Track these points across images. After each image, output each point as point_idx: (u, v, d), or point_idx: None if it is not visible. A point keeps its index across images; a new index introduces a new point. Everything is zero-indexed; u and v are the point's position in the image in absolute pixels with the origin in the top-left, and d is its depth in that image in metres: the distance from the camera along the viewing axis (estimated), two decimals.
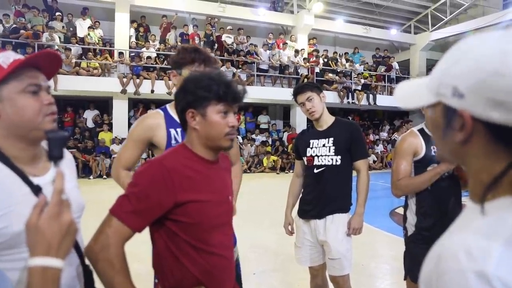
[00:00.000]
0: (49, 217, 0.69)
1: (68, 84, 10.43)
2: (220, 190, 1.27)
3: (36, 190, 0.97)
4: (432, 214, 2.08)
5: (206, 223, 1.19)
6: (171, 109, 1.87)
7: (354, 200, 2.42)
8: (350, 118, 16.28)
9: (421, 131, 2.14)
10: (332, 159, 2.34)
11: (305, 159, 2.44)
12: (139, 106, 12.39)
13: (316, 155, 2.38)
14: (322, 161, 2.36)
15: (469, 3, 15.20)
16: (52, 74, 1.08)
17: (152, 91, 11.35)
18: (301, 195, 2.54)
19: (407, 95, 0.68)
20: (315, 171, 2.38)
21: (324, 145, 2.37)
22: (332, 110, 16.35)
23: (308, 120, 11.82)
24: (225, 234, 1.30)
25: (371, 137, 15.12)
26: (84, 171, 10.72)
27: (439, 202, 2.07)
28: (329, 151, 2.35)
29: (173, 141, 1.84)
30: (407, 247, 2.19)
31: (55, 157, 0.79)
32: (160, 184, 1.12)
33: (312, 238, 2.41)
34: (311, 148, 2.41)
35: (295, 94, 2.43)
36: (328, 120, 2.43)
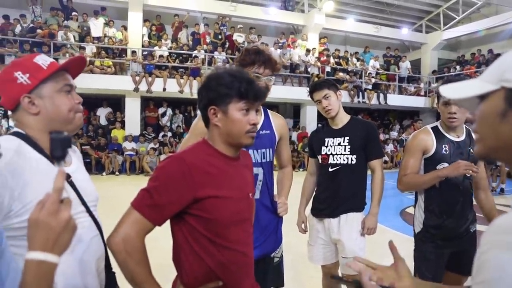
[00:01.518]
0: (47, 213, 0.71)
1: (82, 82, 10.59)
2: (240, 186, 1.28)
3: (67, 177, 1.10)
4: (439, 212, 2.09)
5: (225, 219, 1.20)
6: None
7: (368, 199, 2.41)
8: (361, 117, 16.24)
9: (435, 128, 2.15)
10: (347, 158, 2.32)
11: (319, 157, 2.42)
12: (149, 104, 12.56)
13: (331, 154, 2.36)
14: (337, 160, 2.34)
15: (482, 2, 15.00)
16: (76, 75, 1.25)
17: (164, 89, 11.49)
18: (314, 193, 2.53)
19: (456, 87, 0.75)
20: (330, 169, 2.35)
21: (339, 144, 2.35)
22: (342, 109, 16.21)
23: (319, 119, 11.78)
24: (245, 231, 1.29)
25: (382, 136, 15.08)
26: (97, 168, 10.91)
27: (448, 202, 2.08)
28: (345, 150, 2.33)
29: None
30: (415, 244, 2.22)
31: (57, 156, 0.82)
32: (180, 179, 1.14)
33: (325, 237, 2.41)
34: (326, 146, 2.38)
35: (312, 91, 2.38)
36: (343, 118, 2.40)
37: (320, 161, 2.42)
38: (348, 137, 2.33)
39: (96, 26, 11.75)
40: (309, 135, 2.84)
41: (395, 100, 14.51)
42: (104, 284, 1.25)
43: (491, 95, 0.67)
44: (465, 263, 2.05)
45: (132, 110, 11.89)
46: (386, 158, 13.30)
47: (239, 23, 13.78)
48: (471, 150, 2.07)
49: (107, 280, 1.26)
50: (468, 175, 2.00)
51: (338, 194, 2.33)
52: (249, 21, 14.29)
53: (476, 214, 2.22)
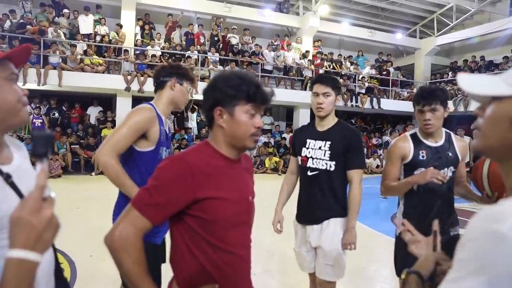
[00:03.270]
0: (29, 211, 0.70)
1: (73, 80, 10.47)
2: (240, 189, 1.28)
3: (7, 177, 0.99)
4: (415, 215, 2.13)
5: (224, 221, 1.20)
6: (157, 107, 2.02)
7: None
8: (353, 121, 16.27)
9: (413, 135, 2.24)
10: (326, 164, 2.23)
11: (299, 158, 2.33)
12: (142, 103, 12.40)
13: (311, 157, 2.27)
14: (316, 165, 2.25)
15: (475, 9, 15.14)
16: (20, 65, 1.12)
17: None
18: (298, 197, 2.44)
19: (476, 83, 0.74)
20: (309, 173, 2.27)
21: (320, 148, 2.26)
22: (335, 112, 16.27)
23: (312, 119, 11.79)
24: (243, 234, 1.30)
25: (374, 141, 15.09)
26: (86, 167, 10.74)
27: (424, 205, 2.15)
28: (324, 155, 2.24)
29: (162, 136, 1.99)
30: (395, 246, 2.28)
31: (39, 154, 0.80)
32: (180, 179, 1.14)
33: (308, 244, 2.34)
34: (307, 148, 2.30)
35: (316, 82, 2.29)
36: (331, 121, 2.31)
37: (300, 163, 2.33)
38: (329, 142, 2.24)
39: (86, 23, 11.56)
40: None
41: (388, 104, 14.55)
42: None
43: (508, 98, 0.67)
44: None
45: (123, 110, 11.68)
46: (379, 163, 13.32)
47: (233, 24, 13.72)
48: (450, 154, 2.16)
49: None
50: (436, 182, 2.01)
51: (318, 201, 2.25)
52: (243, 23, 14.25)
53: (460, 218, 2.27)
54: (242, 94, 1.20)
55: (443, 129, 2.24)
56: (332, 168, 2.22)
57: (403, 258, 2.14)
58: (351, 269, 3.87)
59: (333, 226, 2.25)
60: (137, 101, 12.36)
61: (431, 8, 16.25)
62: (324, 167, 2.23)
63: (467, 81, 0.74)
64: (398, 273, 2.19)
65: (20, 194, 1.00)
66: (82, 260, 3.68)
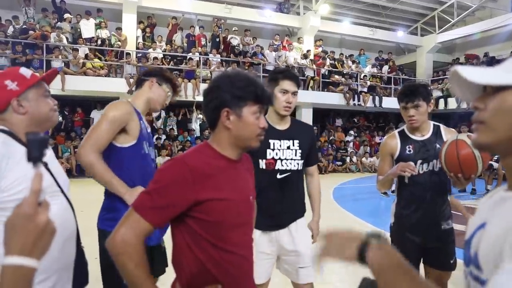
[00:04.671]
0: (25, 216, 0.69)
1: (76, 84, 10.52)
2: (241, 189, 1.28)
3: (45, 164, 1.33)
4: (407, 206, 2.26)
5: (226, 222, 1.20)
6: (134, 104, 2.01)
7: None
8: (356, 120, 16.25)
9: (401, 132, 2.35)
10: (297, 164, 2.14)
11: (263, 162, 2.09)
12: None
13: (280, 159, 2.11)
14: (287, 166, 2.12)
15: (476, 5, 15.08)
16: (49, 83, 1.53)
17: None
18: (257, 204, 2.25)
19: (476, 72, 0.71)
20: (279, 176, 2.11)
21: (288, 148, 2.13)
22: (338, 111, 16.38)
23: (315, 121, 11.70)
24: (245, 234, 1.30)
25: (377, 139, 15.07)
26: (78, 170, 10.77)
27: (415, 196, 2.23)
28: (295, 155, 2.13)
29: (144, 131, 1.97)
30: (390, 236, 2.36)
31: (34, 157, 0.78)
32: (181, 182, 1.14)
33: (269, 251, 2.16)
34: (273, 150, 2.11)
35: (286, 78, 2.12)
36: (288, 118, 2.20)
37: (263, 167, 2.09)
38: (298, 141, 2.15)
39: (87, 27, 11.62)
40: None
41: (390, 103, 14.52)
42: (74, 257, 1.47)
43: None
44: (442, 258, 2.22)
45: None
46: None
47: (234, 25, 13.74)
48: (438, 146, 2.20)
49: (77, 253, 1.49)
50: (404, 174, 2.09)
51: (288, 203, 2.14)
52: (244, 23, 14.26)
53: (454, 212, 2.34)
54: (250, 95, 1.21)
55: (431, 123, 2.33)
56: (301, 167, 2.17)
57: (398, 247, 2.18)
58: (352, 268, 3.89)
59: (301, 227, 2.20)
60: None
61: (432, 5, 16.22)
62: (295, 167, 2.14)
63: (472, 73, 0.71)
64: None
65: (54, 177, 1.40)
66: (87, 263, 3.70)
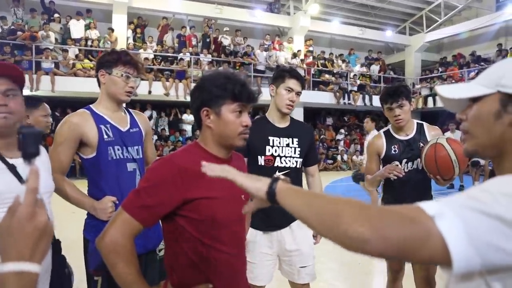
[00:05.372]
0: (23, 218, 0.62)
1: (66, 85, 10.44)
2: (231, 187, 1.23)
3: (12, 168, 1.26)
4: (392, 202, 2.34)
5: (216, 220, 1.19)
6: (96, 108, 1.90)
7: None
8: (346, 118, 16.39)
9: (386, 132, 2.43)
10: (296, 162, 2.15)
11: (261, 158, 2.10)
12: (135, 107, 12.41)
13: (279, 155, 2.11)
14: (286, 163, 2.12)
15: (463, 5, 15.32)
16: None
17: (150, 92, 11.37)
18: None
19: (453, 89, 0.81)
20: (278, 174, 2.06)
21: (288, 145, 2.13)
22: (328, 110, 16.48)
23: (305, 120, 11.75)
24: (236, 233, 1.29)
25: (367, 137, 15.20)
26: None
27: (399, 193, 2.33)
28: (294, 153, 2.14)
29: (105, 136, 1.81)
30: None
31: (30, 154, 0.72)
32: (169, 181, 1.15)
33: (271, 251, 2.14)
34: (272, 146, 2.11)
35: (293, 77, 2.13)
36: (288, 117, 2.23)
37: (261, 163, 2.10)
38: (297, 139, 2.16)
39: (77, 28, 11.53)
40: None
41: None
42: (50, 266, 1.38)
43: (486, 97, 0.75)
44: None
45: None
46: None
47: (225, 25, 13.76)
48: (422, 144, 2.29)
49: (54, 262, 1.40)
50: (391, 176, 2.18)
51: None
52: (235, 24, 14.27)
53: None
54: (227, 93, 1.20)
55: (415, 121, 2.41)
56: (299, 166, 2.18)
57: None
58: (348, 265, 3.94)
59: (302, 226, 2.09)
60: (130, 104, 12.36)
61: (420, 5, 16.43)
62: (294, 165, 2.14)
63: (448, 90, 0.81)
64: None
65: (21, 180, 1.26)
66: (78, 264, 3.69)
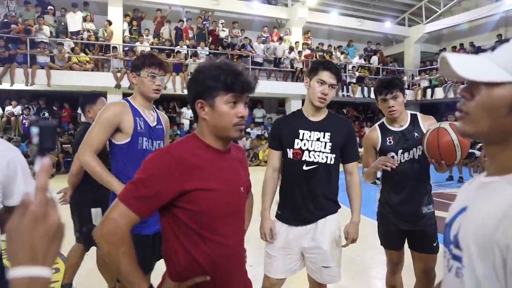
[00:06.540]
0: (34, 219, 0.58)
1: (62, 79, 10.34)
2: (229, 179, 1.26)
3: None
4: (390, 192, 2.40)
5: (213, 212, 1.19)
6: (133, 102, 2.11)
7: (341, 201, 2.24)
8: (345, 111, 16.32)
9: (381, 124, 2.44)
10: (326, 157, 2.08)
11: (290, 151, 2.10)
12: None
13: (307, 149, 2.07)
14: (315, 158, 2.07)
15: None
16: None
17: None
18: (282, 196, 2.19)
19: (467, 65, 0.70)
20: (305, 168, 2.07)
21: (318, 139, 2.08)
22: None
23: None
24: (234, 224, 1.28)
25: (366, 130, 15.17)
26: (66, 167, 10.65)
27: (397, 183, 2.35)
28: (325, 148, 2.08)
29: (138, 128, 2.06)
30: (378, 220, 2.55)
31: (47, 149, 0.68)
32: (166, 172, 1.15)
33: (294, 246, 2.12)
34: (301, 140, 2.08)
35: (325, 68, 2.07)
36: (324, 112, 2.16)
37: (290, 156, 2.10)
38: (329, 133, 2.09)
39: (74, 20, 11.38)
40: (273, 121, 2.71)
41: None
42: None
43: (505, 84, 0.65)
44: (425, 241, 2.31)
45: None
46: None
47: (222, 17, 13.62)
48: (416, 134, 2.31)
49: None
50: (385, 168, 2.20)
51: (316, 198, 2.08)
52: (232, 15, 14.15)
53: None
54: (220, 84, 1.18)
55: (408, 112, 2.42)
56: (332, 162, 2.09)
57: (383, 230, 2.47)
58: (347, 258, 3.89)
59: (331, 225, 2.12)
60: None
61: None
62: (324, 161, 2.08)
63: (457, 63, 0.70)
64: (381, 243, 2.50)
65: None
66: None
